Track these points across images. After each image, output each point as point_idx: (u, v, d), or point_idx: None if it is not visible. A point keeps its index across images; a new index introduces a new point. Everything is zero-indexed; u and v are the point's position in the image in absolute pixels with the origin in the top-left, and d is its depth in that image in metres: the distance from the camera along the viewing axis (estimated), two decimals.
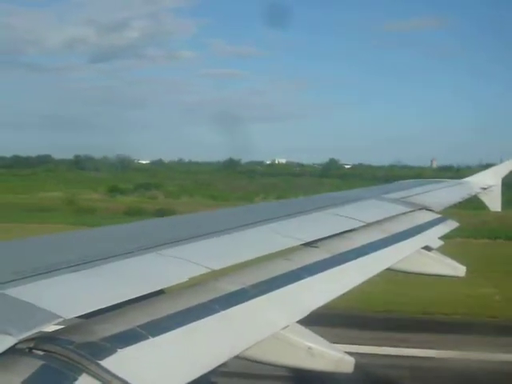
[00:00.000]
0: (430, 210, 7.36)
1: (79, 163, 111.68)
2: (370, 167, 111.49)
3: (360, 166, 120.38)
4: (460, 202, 9.44)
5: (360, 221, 5.62)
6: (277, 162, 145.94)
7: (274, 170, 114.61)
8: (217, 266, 3.39)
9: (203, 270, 3.27)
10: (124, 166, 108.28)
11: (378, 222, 5.93)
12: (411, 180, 11.21)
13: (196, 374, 2.56)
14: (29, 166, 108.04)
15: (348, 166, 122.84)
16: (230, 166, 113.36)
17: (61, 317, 2.35)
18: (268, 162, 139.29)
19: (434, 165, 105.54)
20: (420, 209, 7.24)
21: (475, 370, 15.26)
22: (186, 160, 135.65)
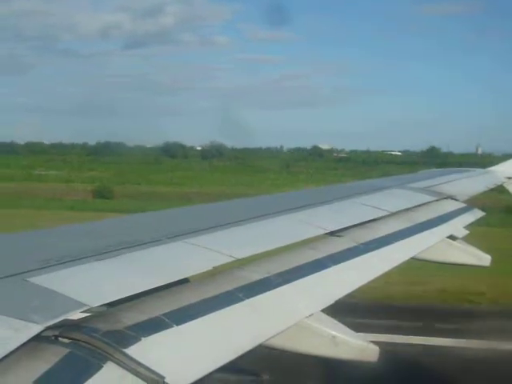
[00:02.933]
0: (455, 200, 7.29)
1: (169, 151, 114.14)
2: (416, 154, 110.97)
3: (406, 153, 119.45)
4: (485, 192, 9.35)
5: (384, 210, 5.58)
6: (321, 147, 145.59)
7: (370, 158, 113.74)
8: (241, 255, 3.39)
9: (228, 259, 3.28)
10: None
11: (403, 212, 5.88)
12: (436, 169, 11.10)
13: (220, 362, 2.56)
14: (109, 154, 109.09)
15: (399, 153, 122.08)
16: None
17: (86, 305, 2.37)
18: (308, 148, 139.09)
19: (479, 151, 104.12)
20: (445, 198, 7.18)
21: None
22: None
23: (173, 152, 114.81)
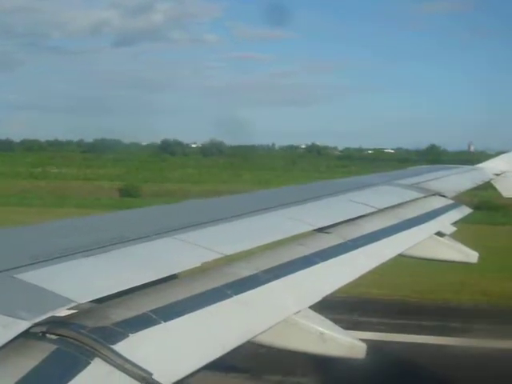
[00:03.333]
0: (443, 196, 7.32)
1: (167, 148, 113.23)
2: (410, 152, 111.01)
3: (399, 150, 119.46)
4: (473, 188, 9.40)
5: (372, 207, 5.60)
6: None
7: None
8: (230, 252, 3.40)
9: (216, 256, 3.28)
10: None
11: (391, 208, 5.90)
12: (424, 166, 11.15)
13: (207, 359, 2.57)
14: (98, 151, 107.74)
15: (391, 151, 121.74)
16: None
17: (74, 301, 2.36)
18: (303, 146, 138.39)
19: (472, 149, 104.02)
20: (433, 195, 7.21)
21: None
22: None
23: (171, 149, 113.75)
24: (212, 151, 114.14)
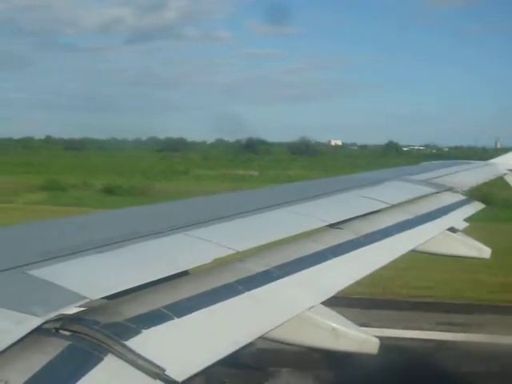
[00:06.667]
0: (455, 191, 7.28)
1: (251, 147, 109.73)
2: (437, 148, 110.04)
3: (427, 147, 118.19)
4: (485, 183, 9.36)
5: (384, 202, 5.58)
6: (333, 143, 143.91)
7: None
8: (242, 248, 3.39)
9: (228, 252, 3.27)
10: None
11: (403, 204, 5.88)
12: (437, 161, 11.11)
13: (220, 355, 2.56)
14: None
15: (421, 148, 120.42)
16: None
17: (87, 298, 2.36)
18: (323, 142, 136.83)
19: (499, 145, 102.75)
20: (445, 190, 7.17)
21: None
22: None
23: (255, 148, 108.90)
24: (301, 149, 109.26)
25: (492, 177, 9.89)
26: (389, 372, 11.95)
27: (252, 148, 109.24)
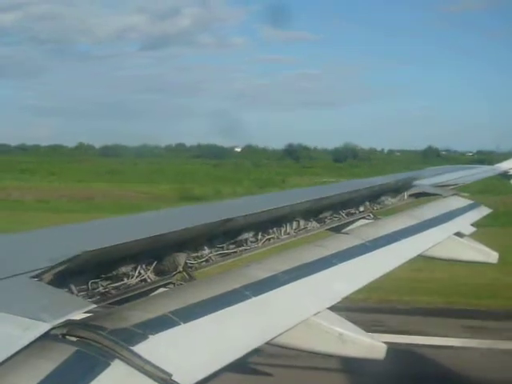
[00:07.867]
0: (462, 196, 7.27)
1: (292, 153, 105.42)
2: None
3: (449, 152, 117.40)
4: (484, 179, 9.55)
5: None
6: (379, 149, 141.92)
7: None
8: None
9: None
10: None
11: (410, 209, 5.87)
12: (443, 166, 11.15)
13: (227, 360, 2.56)
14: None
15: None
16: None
17: (93, 303, 2.37)
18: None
19: None
20: (451, 195, 7.16)
21: None
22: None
23: (296, 154, 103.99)
24: (346, 155, 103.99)
25: (491, 173, 10.22)
26: None
27: (292, 154, 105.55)
